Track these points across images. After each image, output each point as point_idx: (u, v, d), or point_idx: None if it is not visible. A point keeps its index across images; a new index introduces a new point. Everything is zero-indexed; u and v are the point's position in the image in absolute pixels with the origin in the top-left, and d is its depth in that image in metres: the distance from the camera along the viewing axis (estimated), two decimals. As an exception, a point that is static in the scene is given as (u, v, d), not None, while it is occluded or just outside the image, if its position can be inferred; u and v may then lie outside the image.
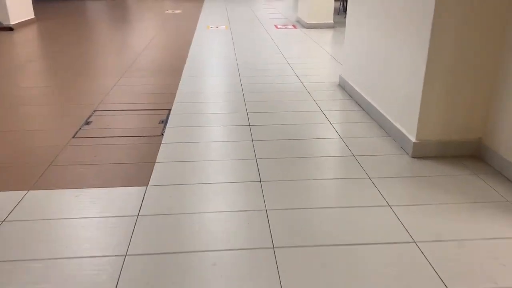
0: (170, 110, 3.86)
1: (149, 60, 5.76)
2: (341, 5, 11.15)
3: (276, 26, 8.66)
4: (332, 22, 8.40)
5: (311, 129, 3.43)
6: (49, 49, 6.49)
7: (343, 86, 4.48)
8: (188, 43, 6.91)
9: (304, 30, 8.17)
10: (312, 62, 5.63)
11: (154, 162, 2.85)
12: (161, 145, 3.12)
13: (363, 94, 3.87)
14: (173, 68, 5.36)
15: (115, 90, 4.44)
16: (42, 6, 11.83)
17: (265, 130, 3.40)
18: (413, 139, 2.90)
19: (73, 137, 3.26)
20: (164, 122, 3.57)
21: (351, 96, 4.20)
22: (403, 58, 3.03)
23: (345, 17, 9.72)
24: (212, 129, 3.41)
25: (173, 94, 4.31)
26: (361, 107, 3.90)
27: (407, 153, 2.96)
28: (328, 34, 7.80)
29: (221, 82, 4.76)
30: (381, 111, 3.44)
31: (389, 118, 3.28)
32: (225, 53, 6.22)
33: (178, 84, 4.66)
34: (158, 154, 2.97)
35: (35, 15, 9.12)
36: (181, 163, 2.84)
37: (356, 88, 4.05)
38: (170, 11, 11.13)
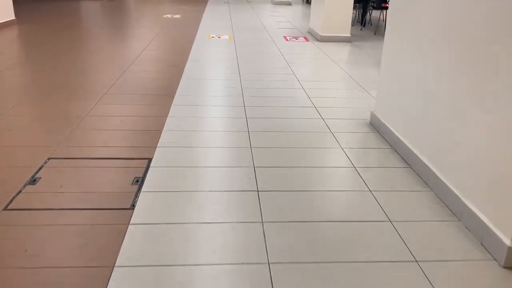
0: (150, 160, 2.88)
1: (135, 79, 4.78)
2: (357, 14, 10.17)
3: (285, 37, 7.69)
4: (349, 35, 7.42)
5: (347, 207, 2.45)
6: (20, 59, 5.52)
7: (376, 127, 3.50)
8: (185, 57, 5.94)
9: (318, 44, 7.20)
10: (332, 89, 4.65)
11: (112, 267, 1.87)
12: (129, 228, 2.13)
13: (414, 151, 2.86)
14: (162, 91, 4.38)
15: (83, 125, 3.46)
16: (27, 6, 10.87)
17: (282, 203, 2.41)
18: (508, 241, 1.91)
19: (4, 209, 2.27)
20: (140, 182, 2.58)
21: (390, 145, 3.22)
22: (493, 112, 2.05)
23: (361, 29, 8.80)
24: (207, 197, 2.43)
25: (157, 133, 3.33)
26: (407, 163, 2.92)
27: (495, 259, 1.97)
28: (345, 49, 6.83)
29: (221, 115, 3.78)
30: (449, 185, 2.41)
31: (463, 199, 2.27)
32: (227, 72, 5.24)
33: (166, 116, 3.68)
34: (121, 249, 1.98)
35: (15, 17, 8.15)
36: (155, 269, 1.85)
37: (402, 139, 3.05)
38: (168, 16, 10.16)
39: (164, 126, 3.45)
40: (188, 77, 4.90)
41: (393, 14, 3.22)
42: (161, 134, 3.29)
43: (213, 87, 4.59)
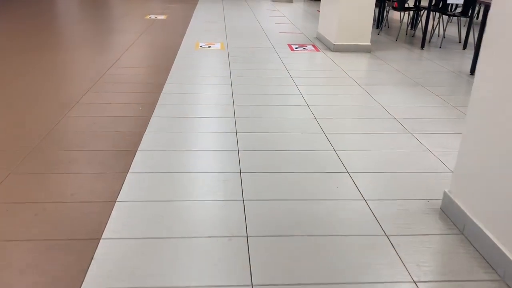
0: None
1: (76, 129, 3.39)
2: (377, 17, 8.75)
3: (290, 46, 6.30)
4: (370, 44, 6.05)
5: None
6: None
7: (452, 219, 2.15)
8: (163, 77, 4.55)
9: (331, 55, 5.82)
10: (365, 133, 3.29)
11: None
12: None
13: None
14: (118, 146, 3.00)
15: (-25, 220, 2.09)
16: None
17: None
18: None
19: None
20: None
21: (483, 256, 1.87)
22: None
23: (379, 34, 7.35)
24: None
25: (94, 242, 1.96)
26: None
27: None
28: (367, 63, 5.46)
29: (205, 183, 2.42)
30: None
31: None
32: (217, 105, 3.87)
33: (115, 200, 2.31)
34: None
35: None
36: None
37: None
38: (152, 17, 8.74)
39: (107, 225, 2.08)
40: (162, 115, 3.52)
41: (493, 49, 1.86)
42: (97, 247, 1.93)
43: (196, 132, 3.21)
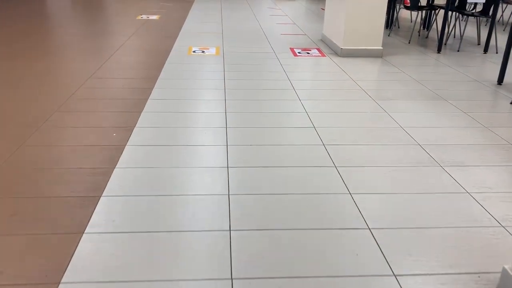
0: None
1: (34, 162, 2.81)
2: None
3: (293, 50, 5.70)
4: (381, 48, 5.44)
5: None
6: None
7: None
8: (146, 91, 3.96)
9: (338, 61, 5.22)
10: (385, 167, 2.69)
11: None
12: None
13: None
14: (77, 191, 2.42)
15: None
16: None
17: None
18: None
19: None
20: None
21: None
22: None
23: (389, 35, 6.67)
24: None
25: None
26: None
27: None
28: (379, 70, 4.86)
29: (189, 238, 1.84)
30: None
31: None
32: (207, 123, 3.27)
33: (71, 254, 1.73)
34: None
35: None
36: None
37: None
38: (144, 17, 8.14)
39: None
40: (138, 144, 2.93)
41: None
42: None
43: (174, 173, 2.62)
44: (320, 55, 5.50)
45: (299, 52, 5.60)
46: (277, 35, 6.73)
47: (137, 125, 3.18)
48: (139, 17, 8.10)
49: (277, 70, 4.72)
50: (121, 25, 7.23)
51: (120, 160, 2.65)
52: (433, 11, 7.05)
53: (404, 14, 9.12)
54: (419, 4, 6.53)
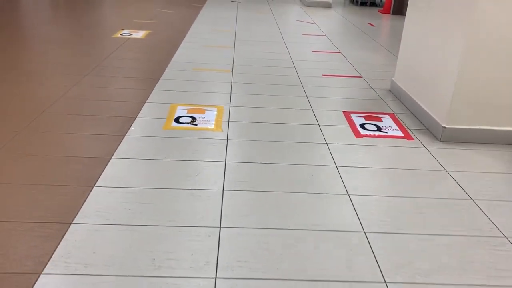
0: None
1: None
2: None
3: (350, 119, 3.26)
4: (519, 128, 2.98)
5: None
6: None
7: None
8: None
9: (440, 153, 2.77)
10: None
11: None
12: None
13: None
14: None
15: None
16: None
17: None
18: None
19: None
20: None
21: None
22: None
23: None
24: None
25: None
26: None
27: None
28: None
29: None
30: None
31: None
32: None
33: None
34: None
35: None
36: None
37: None
38: (125, 34, 5.78)
39: None
40: None
41: None
42: None
43: None
44: (402, 134, 3.06)
45: (362, 126, 3.16)
46: (317, 76, 4.31)
47: None
48: (119, 34, 5.74)
49: (327, 179, 2.30)
50: (80, 53, 4.87)
51: None
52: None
53: None
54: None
